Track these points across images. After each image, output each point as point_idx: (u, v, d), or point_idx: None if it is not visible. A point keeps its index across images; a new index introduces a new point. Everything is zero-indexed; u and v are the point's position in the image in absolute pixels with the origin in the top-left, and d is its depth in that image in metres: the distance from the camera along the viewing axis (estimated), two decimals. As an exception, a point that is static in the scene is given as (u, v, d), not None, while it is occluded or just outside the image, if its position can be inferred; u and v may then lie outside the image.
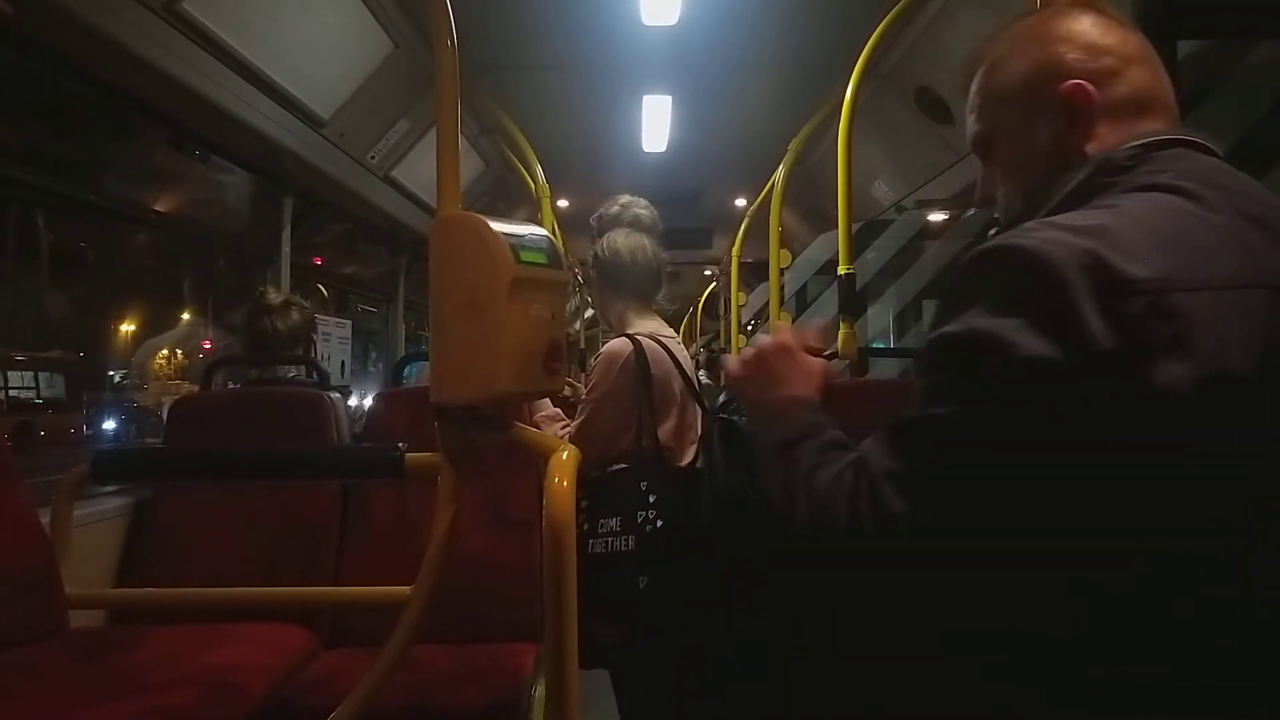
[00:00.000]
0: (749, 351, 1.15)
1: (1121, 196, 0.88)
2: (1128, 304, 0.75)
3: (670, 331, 2.40)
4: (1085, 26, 0.99)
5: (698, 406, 2.33)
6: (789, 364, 1.15)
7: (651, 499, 2.09)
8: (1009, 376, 0.77)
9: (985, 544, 0.81)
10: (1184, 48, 1.30)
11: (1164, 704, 0.79)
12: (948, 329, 0.83)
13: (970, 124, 1.08)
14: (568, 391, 3.34)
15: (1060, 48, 0.98)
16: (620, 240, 2.38)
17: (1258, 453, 0.76)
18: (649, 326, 2.35)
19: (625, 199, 2.49)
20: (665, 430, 2.22)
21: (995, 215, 1.08)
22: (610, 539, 2.04)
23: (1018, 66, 1.01)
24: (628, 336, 2.26)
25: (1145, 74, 0.99)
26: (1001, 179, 1.04)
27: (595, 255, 2.44)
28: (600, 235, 2.44)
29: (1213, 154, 0.93)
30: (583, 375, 4.19)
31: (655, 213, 2.48)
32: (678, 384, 2.28)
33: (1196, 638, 0.78)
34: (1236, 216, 0.82)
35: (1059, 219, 0.84)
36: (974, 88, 1.08)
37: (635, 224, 2.43)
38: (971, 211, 4.45)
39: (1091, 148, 0.95)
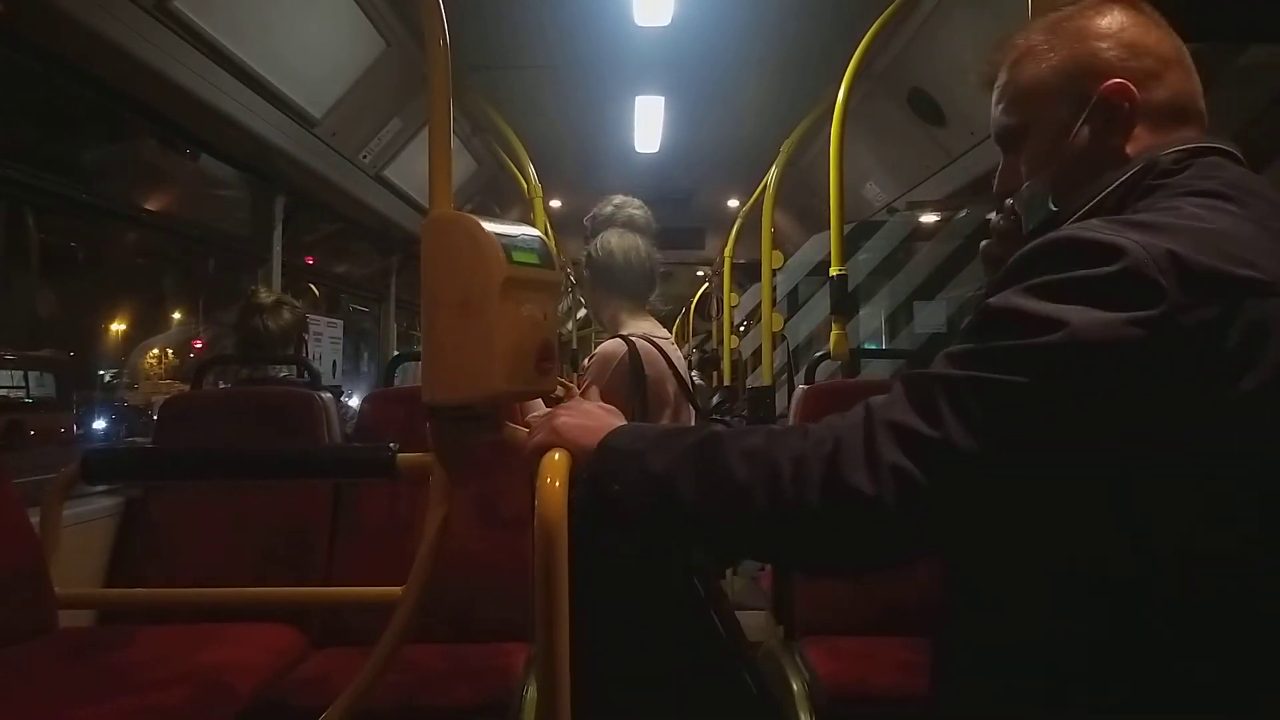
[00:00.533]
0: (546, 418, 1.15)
1: (1176, 199, 0.87)
2: (1208, 307, 0.75)
3: (664, 332, 2.40)
4: (1127, 23, 0.97)
5: (691, 408, 2.33)
6: (583, 411, 1.15)
7: None
8: (1087, 360, 0.76)
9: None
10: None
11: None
12: (1022, 302, 0.80)
13: (997, 114, 1.06)
14: (560, 392, 3.34)
15: (1102, 44, 0.97)
16: (614, 240, 2.38)
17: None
18: (643, 327, 2.35)
19: (619, 199, 2.48)
20: None
21: (1008, 207, 1.08)
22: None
23: (1056, 59, 0.99)
24: (622, 338, 2.25)
25: (1183, 78, 0.98)
26: (1029, 172, 1.02)
27: (589, 255, 2.43)
28: (594, 235, 2.44)
29: (1241, 163, 0.94)
30: (575, 375, 4.19)
31: (649, 213, 2.48)
32: (671, 385, 2.28)
33: (1236, 640, 0.79)
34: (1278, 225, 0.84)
35: (1132, 218, 0.84)
36: (1003, 77, 1.05)
37: (629, 224, 2.43)
38: (964, 213, 4.47)
39: (1130, 150, 0.95)
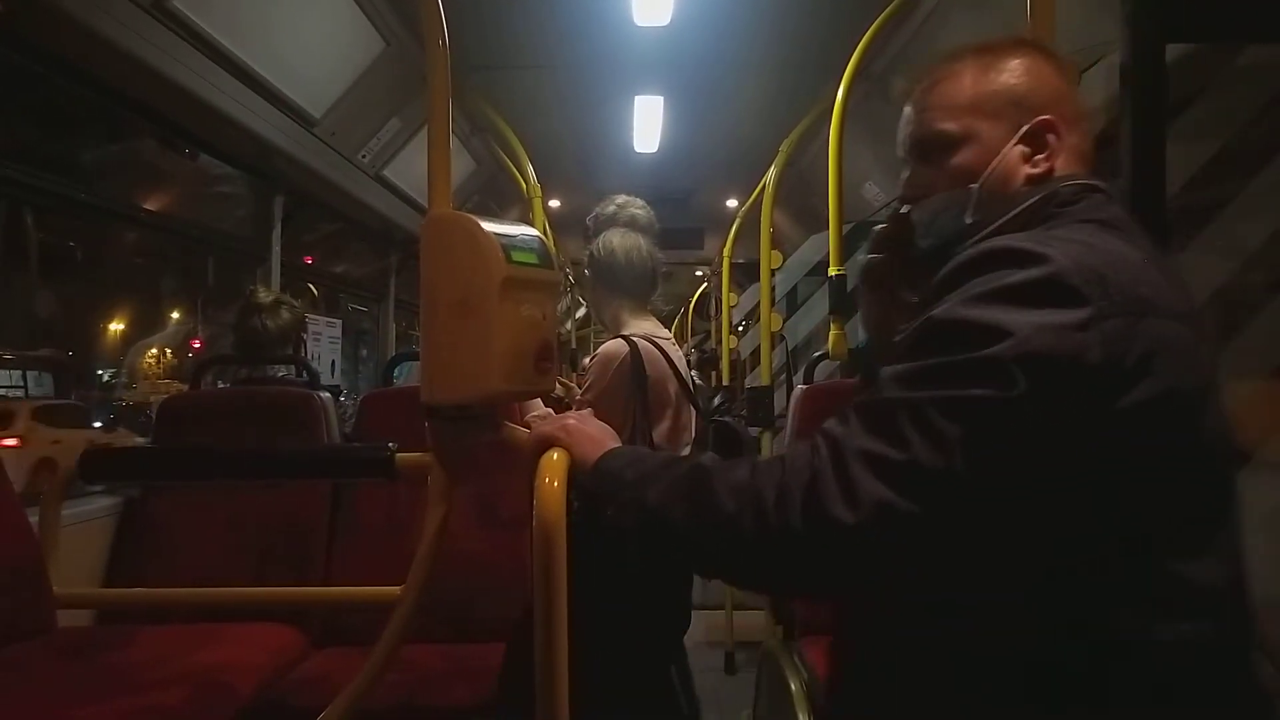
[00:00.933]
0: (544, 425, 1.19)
1: (1074, 226, 0.96)
2: (1120, 319, 0.83)
3: (666, 333, 2.40)
4: (1058, 74, 1.09)
5: (693, 408, 2.33)
6: (588, 421, 1.19)
7: None
8: (1025, 368, 0.80)
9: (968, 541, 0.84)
10: (1172, 51, 1.31)
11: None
12: (966, 313, 0.85)
13: (925, 122, 1.11)
14: (560, 391, 3.34)
15: (1041, 82, 1.07)
16: (615, 240, 2.38)
17: (1194, 458, 0.87)
18: (645, 327, 2.35)
19: (621, 199, 2.48)
20: (660, 432, 2.22)
21: (899, 216, 1.17)
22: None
23: (1000, 84, 1.07)
24: (624, 338, 2.25)
25: (1085, 133, 1.10)
26: (950, 183, 1.07)
27: (591, 255, 2.43)
28: (596, 235, 2.44)
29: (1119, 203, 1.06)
30: (574, 375, 4.19)
31: (651, 213, 2.48)
32: (673, 386, 2.28)
33: (1165, 625, 0.86)
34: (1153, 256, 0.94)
35: (1051, 235, 0.91)
36: (941, 90, 1.10)
37: (631, 224, 2.43)
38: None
39: (1040, 179, 1.05)
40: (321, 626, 2.34)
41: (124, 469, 2.12)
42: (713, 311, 8.39)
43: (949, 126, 1.08)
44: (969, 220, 1.05)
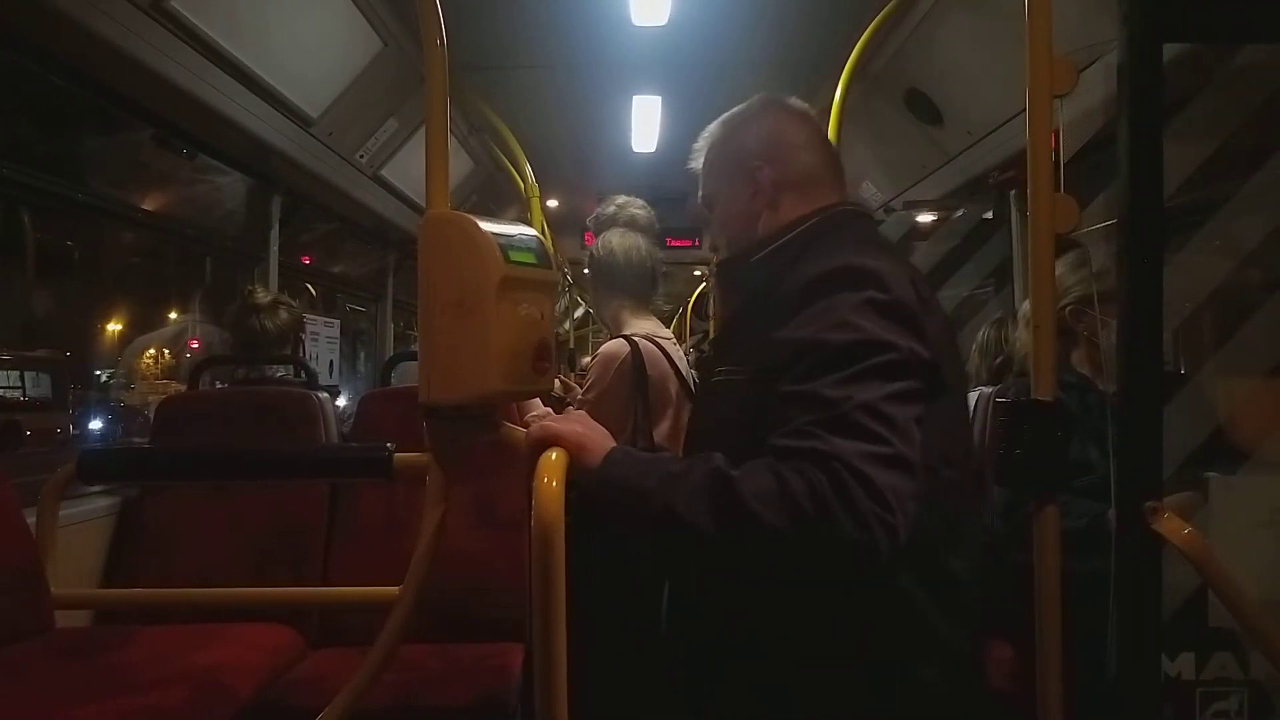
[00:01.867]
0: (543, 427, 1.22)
1: (855, 244, 1.22)
2: (917, 318, 1.12)
3: (667, 333, 2.41)
4: (773, 122, 1.39)
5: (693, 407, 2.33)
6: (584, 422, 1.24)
7: None
8: (904, 366, 1.07)
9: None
10: (1170, 51, 1.31)
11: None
12: (841, 336, 1.08)
13: (707, 179, 1.43)
14: (560, 391, 3.34)
15: (752, 136, 1.38)
16: (615, 240, 2.38)
17: (951, 414, 1.20)
18: (645, 327, 2.35)
19: (621, 199, 2.49)
20: (660, 432, 2.22)
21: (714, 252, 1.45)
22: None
23: (727, 149, 1.40)
24: (624, 338, 2.26)
25: (814, 157, 1.37)
26: (719, 231, 1.40)
27: (591, 255, 2.44)
28: (596, 235, 2.45)
29: (869, 216, 1.40)
30: (573, 375, 4.18)
31: (652, 213, 2.48)
32: (674, 386, 2.28)
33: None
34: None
35: (869, 249, 1.20)
36: (703, 159, 1.43)
37: (631, 224, 2.43)
38: (960, 212, 4.47)
39: (786, 207, 1.33)
40: (319, 627, 2.33)
41: (122, 469, 2.12)
42: (711, 311, 8.38)
43: (704, 191, 1.43)
44: (729, 255, 1.38)
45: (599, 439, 1.18)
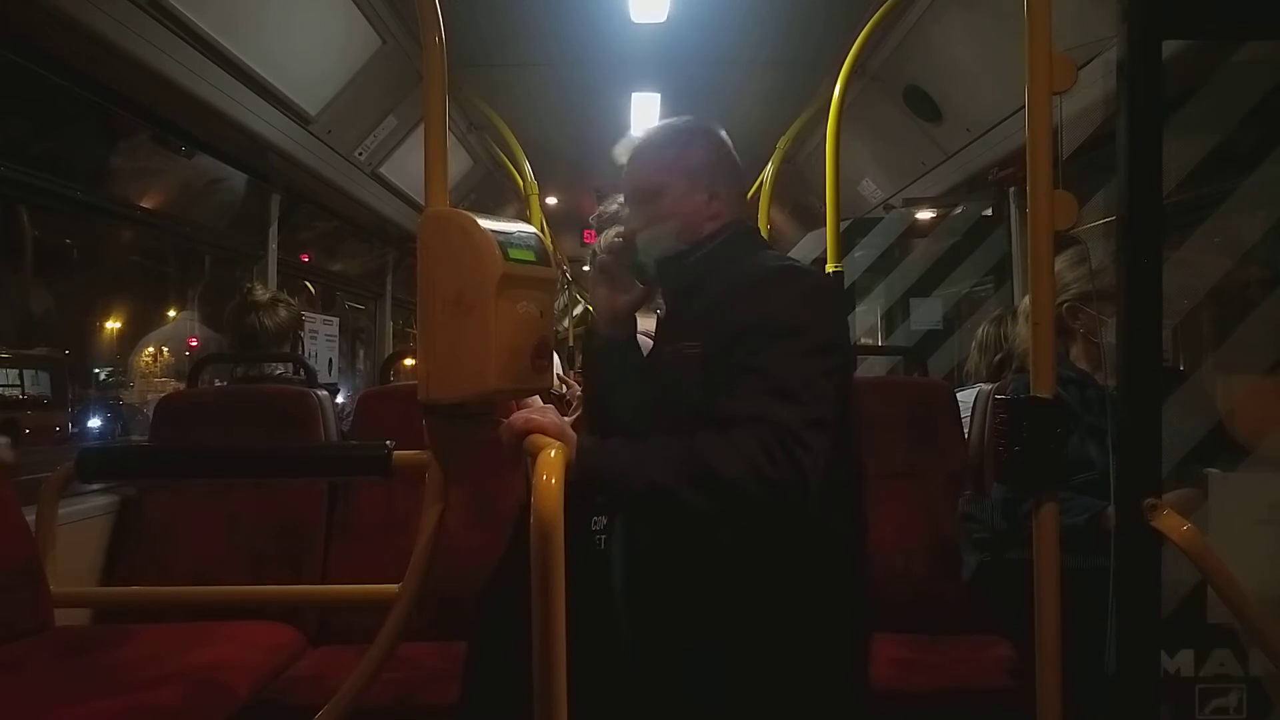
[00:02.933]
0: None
1: (764, 252, 1.55)
2: (838, 309, 1.49)
3: None
4: (721, 145, 1.60)
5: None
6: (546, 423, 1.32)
7: None
8: (825, 348, 1.36)
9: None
10: (1169, 47, 1.31)
11: None
12: (786, 322, 1.35)
13: (639, 176, 1.60)
14: (562, 389, 3.34)
15: (709, 150, 1.58)
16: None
17: (850, 381, 1.48)
18: (645, 325, 2.35)
19: (623, 197, 2.48)
20: None
21: (626, 233, 1.60)
22: (600, 536, 2.04)
23: (684, 157, 1.57)
24: None
25: (741, 179, 1.65)
26: (656, 221, 1.55)
27: (593, 253, 2.43)
28: (598, 233, 2.44)
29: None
30: (572, 372, 4.18)
31: None
32: None
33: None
34: None
35: (794, 257, 1.57)
36: (646, 157, 1.60)
37: None
38: (960, 209, 4.47)
39: (713, 218, 1.55)
40: (318, 625, 2.33)
41: (121, 468, 2.11)
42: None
43: (651, 181, 1.57)
44: (678, 247, 1.54)
45: (569, 430, 1.29)
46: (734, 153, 1.62)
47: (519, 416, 1.27)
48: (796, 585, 1.41)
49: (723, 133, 1.63)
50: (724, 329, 1.38)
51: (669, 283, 1.61)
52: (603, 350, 1.68)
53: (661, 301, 2.45)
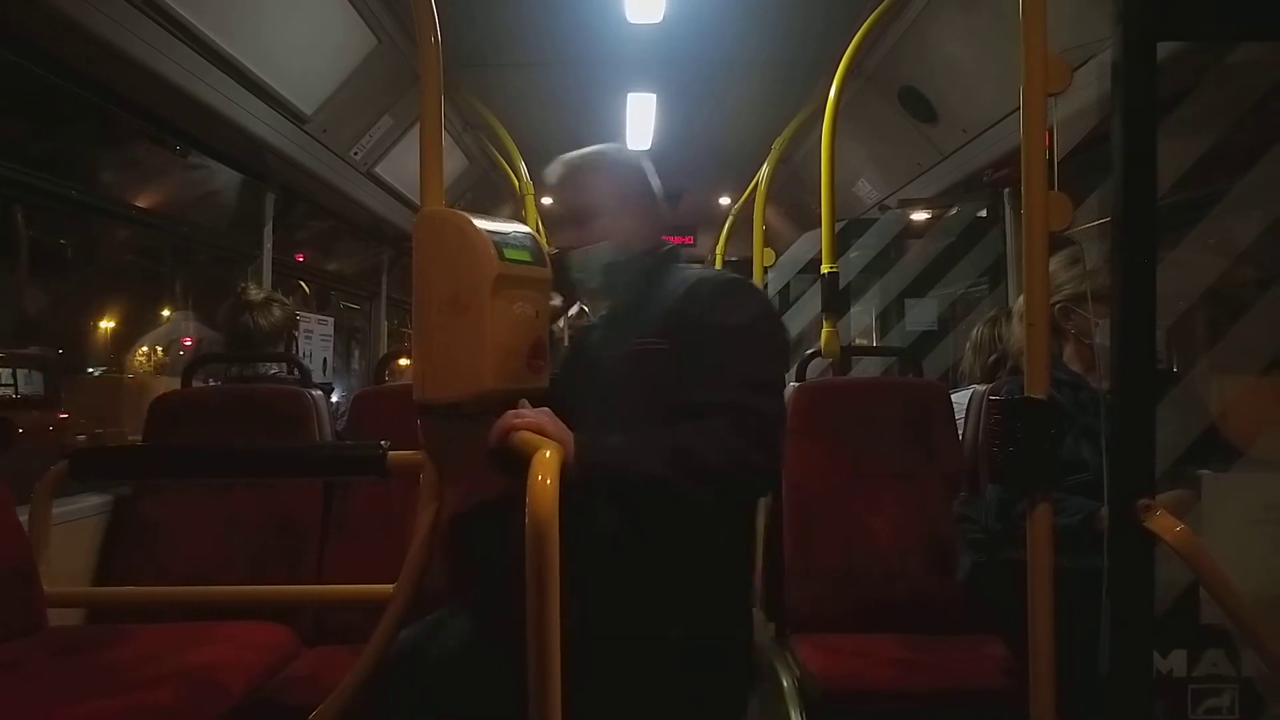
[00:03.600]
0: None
1: (699, 266, 1.77)
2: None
3: None
4: (647, 173, 1.80)
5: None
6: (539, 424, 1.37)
7: None
8: (784, 350, 1.67)
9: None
10: (1164, 49, 1.31)
11: None
12: (756, 328, 1.55)
13: (576, 199, 1.73)
14: None
15: (645, 174, 1.80)
16: None
17: None
18: None
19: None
20: None
21: (561, 251, 1.71)
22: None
23: (628, 178, 1.77)
24: None
25: (662, 207, 1.81)
26: (602, 235, 1.68)
27: None
28: None
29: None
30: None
31: None
32: None
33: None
34: None
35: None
36: (589, 180, 1.75)
37: None
38: (954, 210, 4.47)
39: (655, 233, 1.77)
40: (313, 625, 2.33)
41: (115, 467, 2.11)
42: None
43: (598, 201, 1.70)
44: (616, 259, 1.68)
45: (565, 430, 1.34)
46: (656, 177, 1.80)
47: (511, 415, 1.30)
48: (722, 571, 1.62)
49: (646, 161, 1.83)
50: (692, 329, 1.53)
51: (612, 294, 1.74)
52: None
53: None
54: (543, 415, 1.33)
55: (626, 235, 1.70)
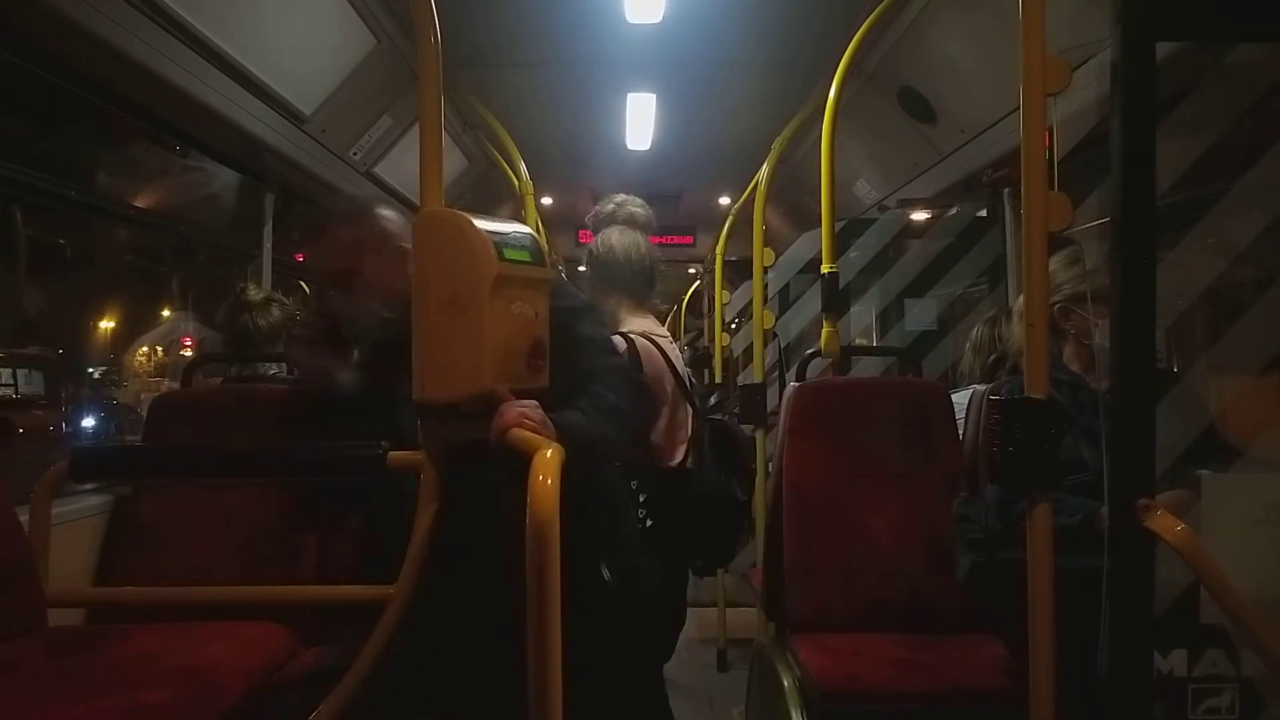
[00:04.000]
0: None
1: None
2: None
3: (663, 330, 2.41)
4: (396, 212, 1.84)
5: (689, 406, 2.33)
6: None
7: (642, 498, 2.09)
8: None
9: None
10: (1163, 49, 1.31)
11: None
12: (606, 339, 1.84)
13: (335, 260, 1.75)
14: None
15: (392, 224, 1.79)
16: (614, 237, 2.39)
17: None
18: (643, 325, 2.35)
19: (620, 197, 2.49)
20: (656, 429, 2.22)
21: (339, 317, 1.80)
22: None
23: (378, 234, 1.76)
24: (621, 335, 2.26)
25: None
26: (371, 297, 1.72)
27: (590, 252, 2.44)
28: (595, 233, 2.45)
29: None
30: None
31: (650, 211, 2.49)
32: (670, 384, 2.28)
33: None
34: None
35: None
36: (346, 236, 1.75)
37: (630, 222, 2.43)
38: (954, 210, 4.48)
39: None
40: (312, 625, 2.32)
41: (114, 467, 2.11)
42: (705, 309, 8.38)
43: (353, 265, 1.72)
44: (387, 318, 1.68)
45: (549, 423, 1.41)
46: (404, 212, 1.84)
47: (507, 408, 1.31)
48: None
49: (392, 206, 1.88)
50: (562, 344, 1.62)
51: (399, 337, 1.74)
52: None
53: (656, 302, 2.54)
54: (530, 406, 1.36)
55: (390, 284, 1.70)
